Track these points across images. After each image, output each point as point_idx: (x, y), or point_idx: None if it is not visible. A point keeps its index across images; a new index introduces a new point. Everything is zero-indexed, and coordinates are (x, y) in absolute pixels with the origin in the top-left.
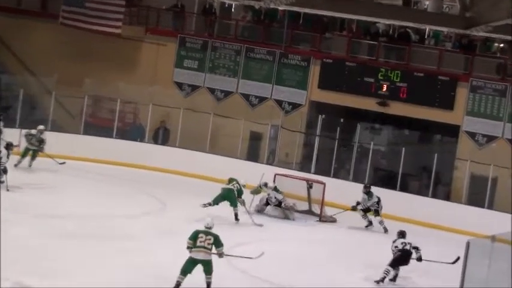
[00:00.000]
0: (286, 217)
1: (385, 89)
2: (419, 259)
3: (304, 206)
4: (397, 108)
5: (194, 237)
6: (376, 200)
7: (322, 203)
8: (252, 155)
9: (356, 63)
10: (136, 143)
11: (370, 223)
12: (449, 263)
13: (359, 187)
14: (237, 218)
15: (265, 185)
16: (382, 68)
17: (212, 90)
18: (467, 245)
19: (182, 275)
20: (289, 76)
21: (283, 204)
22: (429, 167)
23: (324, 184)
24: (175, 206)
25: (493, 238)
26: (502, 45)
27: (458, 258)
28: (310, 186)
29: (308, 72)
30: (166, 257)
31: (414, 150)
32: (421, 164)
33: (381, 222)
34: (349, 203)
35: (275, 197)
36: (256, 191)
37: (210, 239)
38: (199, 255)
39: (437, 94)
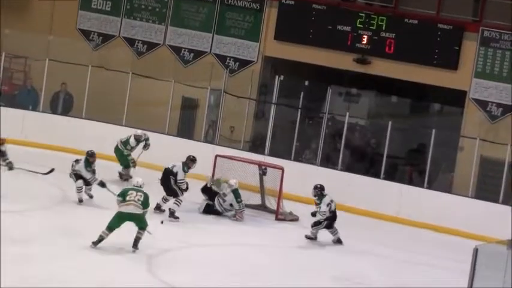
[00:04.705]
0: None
1: (365, 41)
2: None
3: (255, 199)
4: (382, 68)
5: (123, 194)
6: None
7: (280, 196)
8: (185, 130)
9: (326, 6)
10: (27, 112)
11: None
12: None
13: (329, 174)
14: (121, 177)
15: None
16: (362, 12)
17: (131, 42)
18: (475, 252)
19: (107, 230)
20: (236, 23)
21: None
22: (425, 148)
23: (282, 169)
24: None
25: (510, 243)
26: None
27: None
28: (263, 173)
29: (261, 18)
30: (71, 267)
31: (405, 125)
32: (413, 143)
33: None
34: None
35: (229, 204)
36: (216, 183)
37: (141, 196)
38: (129, 209)
39: (436, 49)
